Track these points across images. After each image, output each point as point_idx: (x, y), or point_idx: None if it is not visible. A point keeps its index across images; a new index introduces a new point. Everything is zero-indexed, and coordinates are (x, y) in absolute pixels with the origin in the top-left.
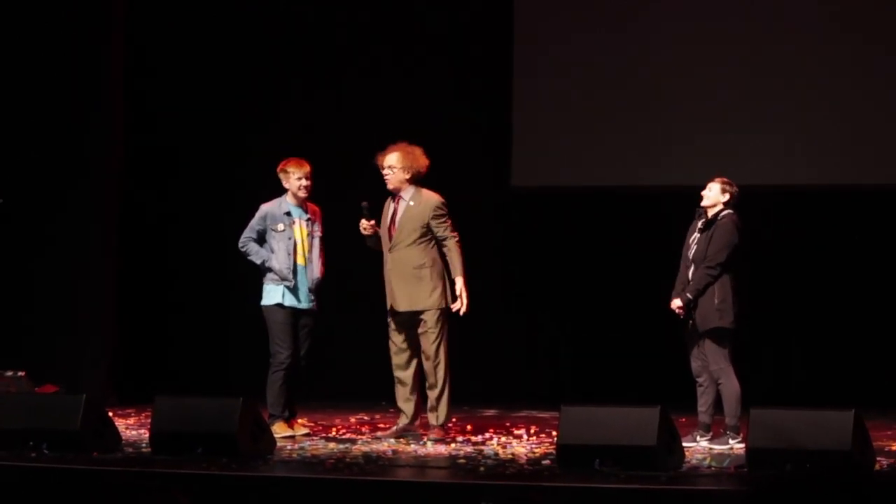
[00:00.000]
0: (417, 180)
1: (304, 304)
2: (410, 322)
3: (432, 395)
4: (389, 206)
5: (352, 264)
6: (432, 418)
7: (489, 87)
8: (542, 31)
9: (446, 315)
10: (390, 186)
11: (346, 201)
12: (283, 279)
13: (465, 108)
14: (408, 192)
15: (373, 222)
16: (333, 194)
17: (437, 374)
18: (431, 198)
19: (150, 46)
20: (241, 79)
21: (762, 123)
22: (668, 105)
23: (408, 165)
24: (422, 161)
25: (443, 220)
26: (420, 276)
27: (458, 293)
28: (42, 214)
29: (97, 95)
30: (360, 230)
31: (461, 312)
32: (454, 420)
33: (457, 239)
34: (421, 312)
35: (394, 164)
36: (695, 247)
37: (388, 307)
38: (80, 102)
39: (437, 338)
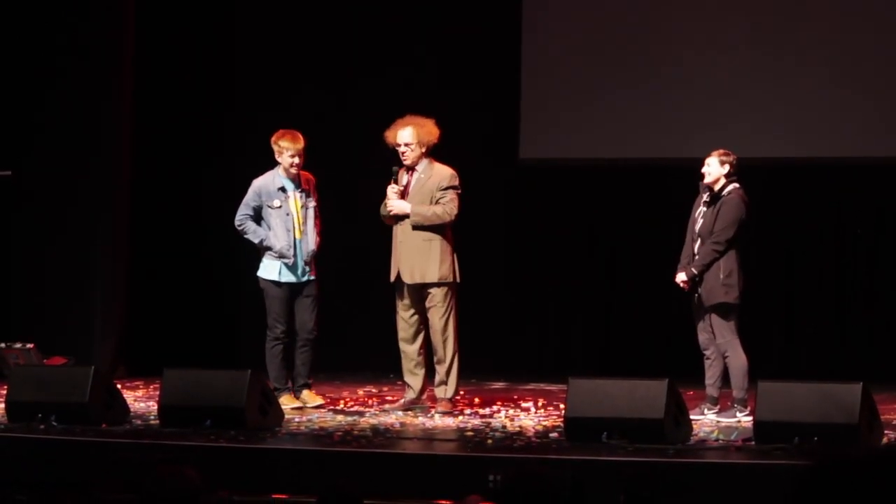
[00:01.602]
0: (430, 152)
1: (301, 278)
2: (418, 296)
3: (441, 369)
4: (403, 178)
5: (361, 237)
6: (440, 392)
7: (497, 60)
8: (551, 5)
9: (455, 289)
10: (408, 163)
11: (359, 175)
12: (283, 257)
13: (473, 80)
14: (421, 165)
15: (401, 189)
16: (346, 169)
17: (446, 348)
18: (443, 170)
19: (161, 36)
20: (252, 61)
21: (771, 95)
22: (676, 78)
23: (423, 140)
24: (434, 133)
25: (449, 191)
26: (429, 249)
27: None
28: (55, 189)
29: (110, 78)
30: (386, 197)
31: (389, 200)
32: (462, 393)
33: (452, 211)
34: (428, 286)
35: (410, 142)
36: (701, 220)
37: (393, 279)
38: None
39: (445, 312)
